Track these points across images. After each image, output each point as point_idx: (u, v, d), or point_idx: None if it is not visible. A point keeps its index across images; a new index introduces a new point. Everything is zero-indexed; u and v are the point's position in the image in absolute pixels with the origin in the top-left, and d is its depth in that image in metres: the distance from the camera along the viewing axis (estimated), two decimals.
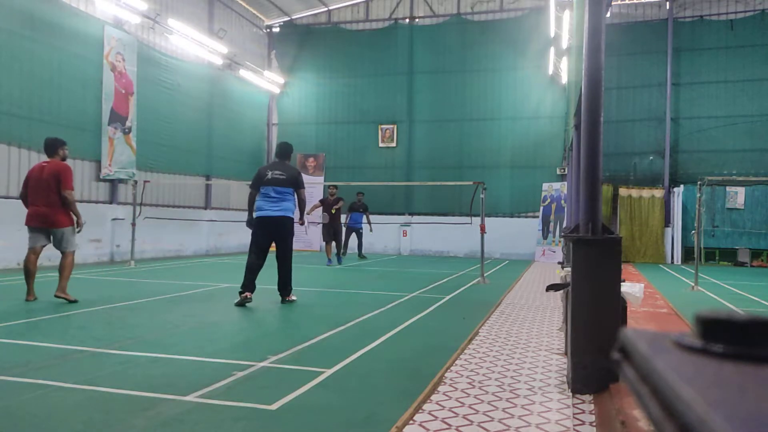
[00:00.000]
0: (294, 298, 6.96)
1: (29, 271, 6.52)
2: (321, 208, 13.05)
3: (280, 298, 6.85)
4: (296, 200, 6.95)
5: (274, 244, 6.89)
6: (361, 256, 14.74)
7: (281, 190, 6.77)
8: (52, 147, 6.61)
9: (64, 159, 6.71)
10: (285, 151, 7.13)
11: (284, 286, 6.86)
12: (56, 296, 6.39)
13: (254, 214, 6.83)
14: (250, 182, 7.11)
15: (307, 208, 13.13)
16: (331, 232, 12.91)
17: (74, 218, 6.56)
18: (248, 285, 6.62)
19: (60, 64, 11.42)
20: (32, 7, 10.77)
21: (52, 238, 6.54)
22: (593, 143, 3.66)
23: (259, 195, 6.85)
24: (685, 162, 16.50)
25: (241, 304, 6.50)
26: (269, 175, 6.78)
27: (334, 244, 13.00)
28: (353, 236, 14.48)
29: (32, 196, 6.47)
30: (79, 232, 6.65)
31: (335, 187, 13.16)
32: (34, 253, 6.54)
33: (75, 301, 6.41)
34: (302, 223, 7.23)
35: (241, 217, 17.85)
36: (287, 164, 7.05)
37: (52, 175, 6.38)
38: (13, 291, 7.34)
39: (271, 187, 6.75)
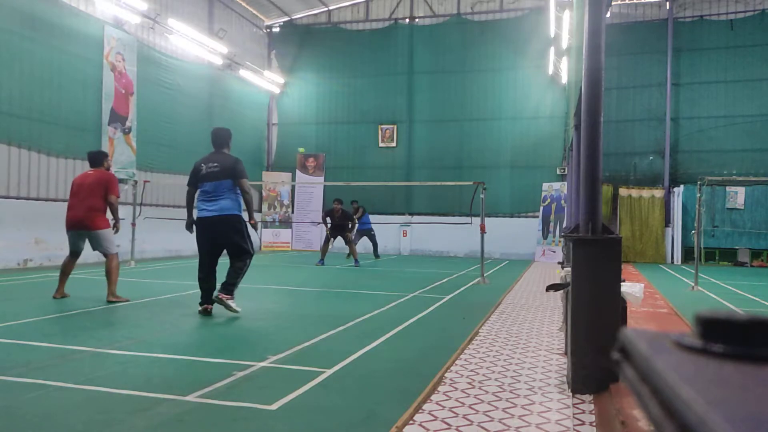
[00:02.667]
0: (234, 306, 5.81)
1: (65, 270, 6.79)
2: (329, 218, 12.81)
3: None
4: (241, 194, 5.98)
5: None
6: (377, 256, 14.85)
7: (217, 184, 5.85)
8: (97, 159, 6.99)
9: (108, 169, 7.09)
10: (219, 137, 6.12)
11: (225, 282, 5.84)
12: (108, 301, 6.53)
13: (195, 215, 6.00)
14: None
15: (321, 219, 12.99)
16: (334, 237, 12.83)
17: (111, 221, 6.79)
18: (205, 298, 5.94)
19: (60, 64, 11.42)
20: (32, 7, 10.77)
21: (89, 241, 6.74)
22: (593, 143, 3.66)
23: (198, 193, 6.00)
24: (685, 162, 16.50)
25: (204, 314, 5.90)
26: (204, 169, 5.91)
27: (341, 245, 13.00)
28: (363, 239, 14.51)
29: (72, 201, 6.73)
30: (116, 233, 6.86)
31: (340, 201, 12.87)
32: (73, 255, 6.83)
33: (127, 301, 6.59)
34: (254, 224, 6.15)
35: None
36: (224, 153, 6.06)
37: (97, 182, 6.67)
38: (14, 291, 7.35)
39: (208, 182, 5.88)
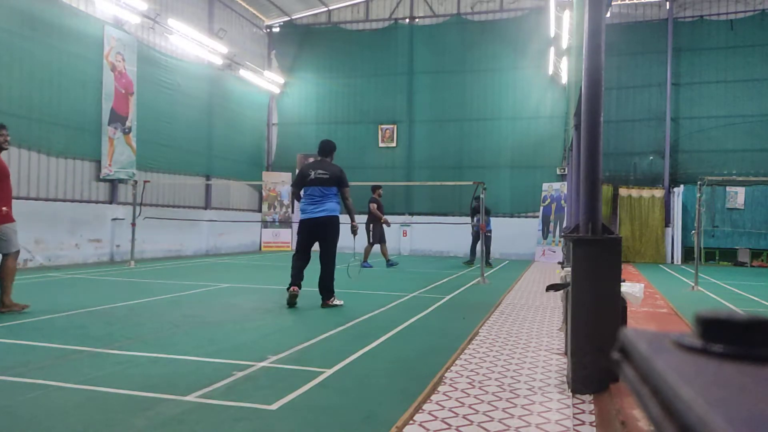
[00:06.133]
0: (338, 302, 6.59)
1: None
2: (376, 208, 12.39)
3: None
4: (342, 201, 6.67)
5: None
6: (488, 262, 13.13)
7: (325, 190, 6.53)
8: None
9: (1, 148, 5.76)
10: (326, 148, 6.84)
11: (325, 289, 6.57)
12: (0, 312, 5.64)
13: (300, 216, 6.71)
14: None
15: (376, 215, 12.15)
16: (377, 234, 12.37)
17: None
18: (294, 280, 6.51)
19: (60, 64, 11.42)
20: (32, 7, 10.77)
21: None
22: (593, 143, 3.66)
23: (303, 196, 6.67)
24: (685, 162, 16.50)
25: (291, 302, 6.41)
26: (312, 174, 6.56)
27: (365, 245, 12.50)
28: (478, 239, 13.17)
29: None
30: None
31: (381, 187, 12.68)
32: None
33: (27, 307, 5.82)
34: (354, 228, 6.77)
35: (240, 217, 17.93)
36: (329, 162, 6.75)
37: None
38: (14, 291, 7.33)
39: (315, 187, 6.54)
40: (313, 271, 6.70)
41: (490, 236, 13.16)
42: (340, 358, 4.13)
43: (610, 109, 16.33)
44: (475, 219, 13.09)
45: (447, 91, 17.94)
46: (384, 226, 12.44)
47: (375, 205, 12.40)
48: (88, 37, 12.07)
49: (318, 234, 6.58)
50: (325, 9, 19.14)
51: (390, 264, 12.40)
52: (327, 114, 18.99)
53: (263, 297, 7.29)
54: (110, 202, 12.83)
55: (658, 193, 16.31)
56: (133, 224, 11.45)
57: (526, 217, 17.12)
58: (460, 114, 17.78)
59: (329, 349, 4.50)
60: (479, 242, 12.97)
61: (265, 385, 3.48)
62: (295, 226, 7.16)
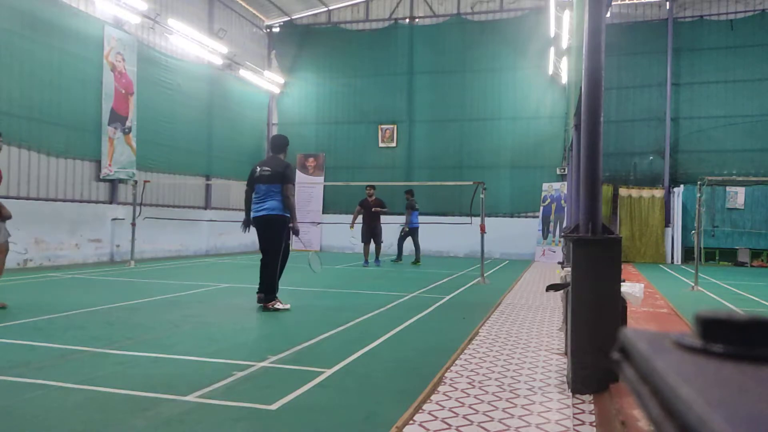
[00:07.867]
0: (280, 306, 6.26)
1: None
2: (362, 211, 12.67)
3: (281, 299, 6.45)
4: (283, 198, 6.36)
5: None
6: (417, 260, 13.70)
7: (267, 187, 6.35)
8: None
9: None
10: (276, 143, 6.74)
11: (264, 291, 6.31)
12: None
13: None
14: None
15: (352, 219, 12.63)
16: (369, 233, 12.65)
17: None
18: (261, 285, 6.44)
19: (60, 64, 11.41)
20: (32, 7, 10.77)
21: None
22: (593, 143, 3.66)
23: (254, 194, 6.52)
24: (685, 162, 16.50)
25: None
26: (257, 172, 6.45)
27: (373, 245, 12.76)
28: (408, 238, 13.82)
29: None
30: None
31: (373, 187, 12.89)
32: None
33: (4, 307, 5.85)
34: (292, 227, 6.50)
35: (241, 217, 17.87)
36: (277, 158, 6.59)
37: None
38: (13, 291, 7.34)
39: (260, 185, 6.40)
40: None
41: (415, 232, 13.75)
42: (340, 358, 4.13)
43: (610, 109, 16.32)
44: (411, 217, 13.75)
45: (447, 91, 17.93)
46: (381, 225, 12.88)
47: (359, 207, 12.80)
48: (88, 37, 12.06)
49: (259, 233, 6.42)
50: (325, 9, 19.13)
51: (376, 261, 12.67)
52: (327, 114, 18.98)
53: None
54: (110, 202, 12.83)
55: (658, 193, 16.30)
56: (133, 224, 11.45)
57: (526, 217, 17.11)
58: (460, 114, 17.78)
59: (329, 349, 4.50)
60: (406, 239, 13.84)
61: (265, 385, 3.48)
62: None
